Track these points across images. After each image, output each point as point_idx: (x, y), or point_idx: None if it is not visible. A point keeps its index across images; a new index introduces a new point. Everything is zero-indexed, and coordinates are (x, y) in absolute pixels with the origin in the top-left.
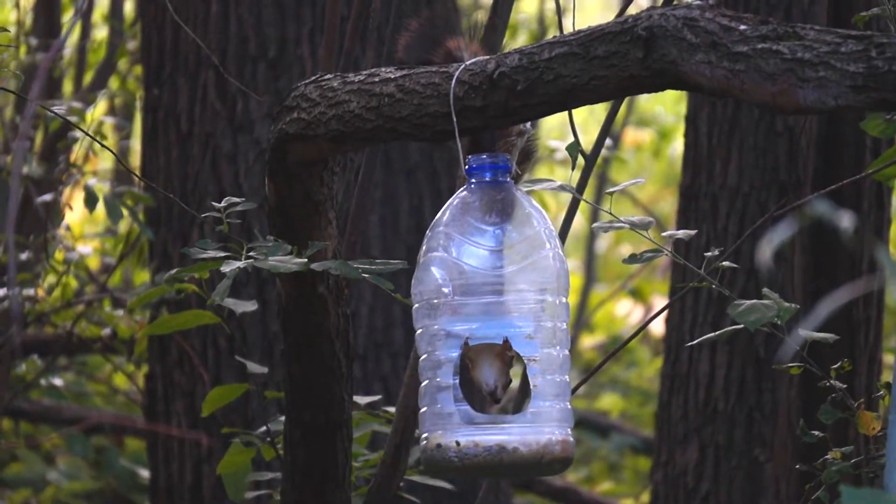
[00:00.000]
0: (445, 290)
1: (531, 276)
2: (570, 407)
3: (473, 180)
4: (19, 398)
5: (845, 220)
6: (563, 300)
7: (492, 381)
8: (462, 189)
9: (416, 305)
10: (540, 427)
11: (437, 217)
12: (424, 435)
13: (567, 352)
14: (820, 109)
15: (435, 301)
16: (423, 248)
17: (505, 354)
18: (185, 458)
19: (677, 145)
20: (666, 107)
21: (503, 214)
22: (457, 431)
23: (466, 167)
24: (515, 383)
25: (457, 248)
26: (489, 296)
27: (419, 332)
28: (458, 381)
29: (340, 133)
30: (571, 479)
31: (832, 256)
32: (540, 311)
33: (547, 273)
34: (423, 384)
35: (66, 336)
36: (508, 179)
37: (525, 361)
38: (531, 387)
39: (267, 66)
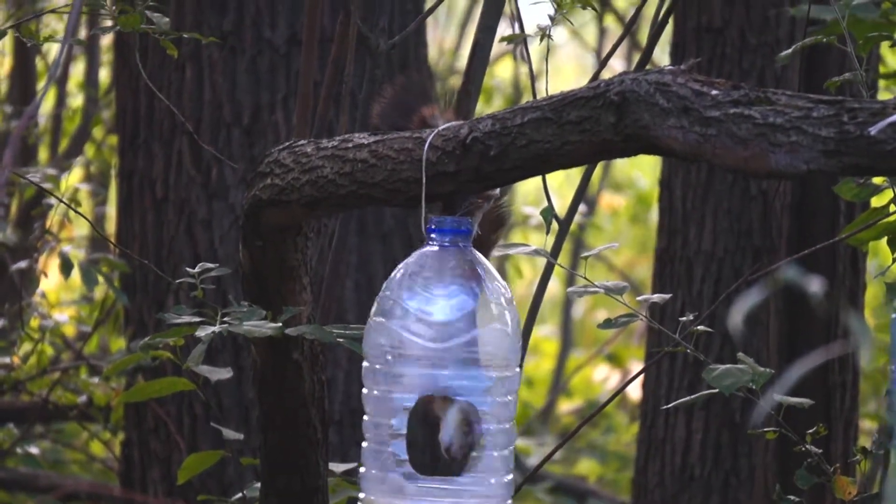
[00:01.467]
0: (388, 357)
1: (482, 349)
2: (511, 480)
3: (433, 240)
4: None
5: (815, 286)
6: (510, 373)
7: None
8: (421, 249)
9: (364, 365)
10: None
11: (390, 276)
12: (363, 496)
13: (510, 425)
14: (792, 174)
15: (377, 367)
16: (374, 307)
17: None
18: None
19: (655, 211)
20: (644, 172)
21: (456, 281)
22: (396, 497)
23: (427, 227)
24: (459, 456)
25: (401, 316)
26: (432, 368)
27: (364, 392)
28: (400, 446)
29: (314, 198)
30: None
31: (807, 321)
32: (488, 386)
33: (495, 346)
34: (365, 445)
35: (42, 403)
36: (468, 245)
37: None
38: (475, 460)
39: (241, 132)
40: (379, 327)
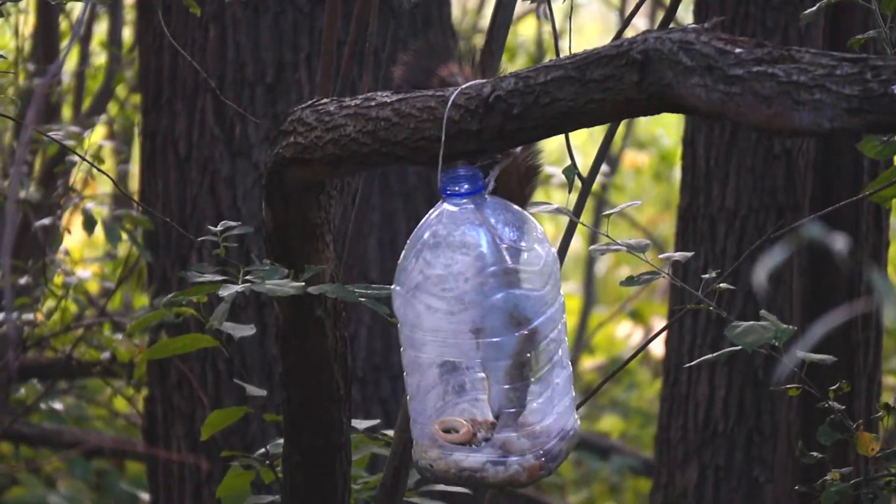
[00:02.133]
0: (427, 322)
1: (533, 269)
2: (547, 425)
3: (448, 200)
4: (19, 422)
5: (839, 243)
6: (561, 298)
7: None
8: (436, 209)
9: (399, 323)
10: (506, 458)
11: (417, 235)
12: (415, 440)
13: (567, 348)
14: (816, 132)
15: (420, 335)
16: (408, 270)
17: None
18: (184, 482)
19: (678, 168)
20: (666, 129)
21: (472, 244)
22: (430, 450)
23: (441, 186)
24: (490, 411)
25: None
26: (468, 330)
27: (402, 349)
28: (437, 402)
29: (337, 157)
30: (572, 501)
31: (830, 278)
32: (525, 344)
33: (533, 303)
34: (408, 396)
35: (66, 360)
36: (483, 199)
37: (504, 390)
38: (505, 415)
39: (264, 90)
40: (416, 296)
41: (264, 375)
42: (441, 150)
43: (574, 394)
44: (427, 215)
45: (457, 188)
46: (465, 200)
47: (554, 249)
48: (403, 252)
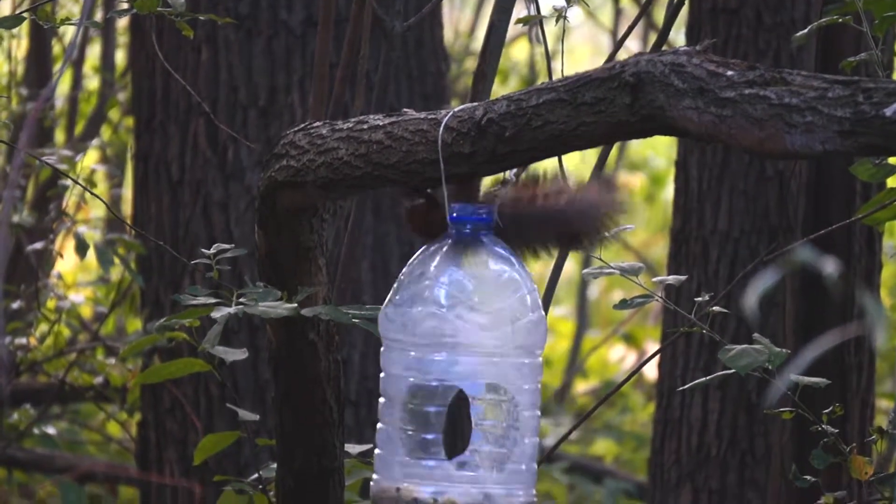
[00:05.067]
0: (429, 343)
1: (515, 338)
2: (535, 468)
3: (454, 230)
4: (12, 447)
5: (830, 266)
6: (539, 360)
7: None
8: (444, 237)
9: (388, 349)
10: (511, 487)
11: (417, 260)
12: (390, 484)
13: (538, 412)
14: (808, 154)
15: (412, 353)
16: (403, 292)
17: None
18: None
19: (670, 190)
20: (658, 151)
21: (485, 269)
22: (429, 483)
23: (450, 216)
24: (490, 444)
25: (446, 303)
26: (466, 354)
27: (385, 376)
28: (433, 436)
29: (329, 180)
30: None
31: (823, 301)
32: (522, 373)
33: (529, 334)
34: (382, 427)
35: (59, 384)
36: (490, 233)
37: (503, 422)
38: (505, 448)
39: (257, 113)
40: (419, 313)
41: (257, 400)
42: (442, 174)
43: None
44: (430, 245)
45: (466, 218)
46: (469, 229)
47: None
48: (415, 273)
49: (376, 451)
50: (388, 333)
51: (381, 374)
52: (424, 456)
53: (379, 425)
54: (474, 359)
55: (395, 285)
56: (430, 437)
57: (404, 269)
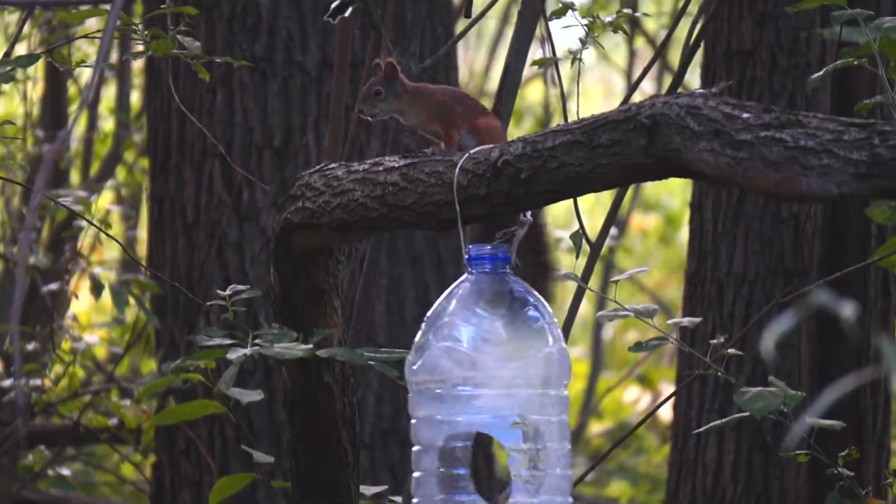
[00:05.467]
0: (454, 380)
1: (537, 370)
2: (570, 501)
3: (473, 270)
4: (27, 488)
5: (847, 310)
6: (564, 393)
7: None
8: (462, 279)
9: (416, 392)
10: None
11: (438, 304)
12: None
13: (568, 445)
14: (824, 197)
15: (438, 391)
16: (427, 335)
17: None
18: None
19: (685, 232)
20: (673, 193)
21: (504, 306)
22: None
23: (467, 256)
24: (522, 477)
25: (467, 340)
26: (492, 388)
27: (416, 422)
28: (463, 471)
29: (345, 222)
30: None
31: (839, 344)
32: (545, 405)
33: (551, 367)
34: (420, 474)
35: (74, 426)
36: (508, 270)
37: (530, 455)
38: (536, 481)
39: (272, 154)
40: (443, 351)
41: (272, 441)
42: (458, 216)
43: None
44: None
45: (486, 260)
46: (488, 268)
47: None
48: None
49: (413, 501)
50: (414, 377)
51: (412, 421)
52: (457, 491)
53: (414, 474)
54: (498, 392)
55: (419, 331)
56: (460, 471)
57: (427, 314)
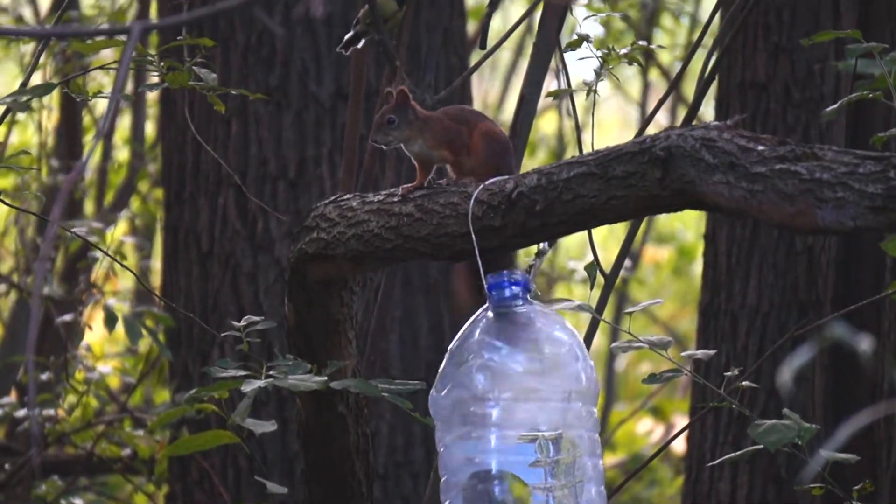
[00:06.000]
0: (488, 396)
1: (565, 385)
2: None
3: (494, 299)
4: None
5: (864, 343)
6: (593, 410)
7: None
8: (484, 308)
9: (443, 420)
10: None
11: (463, 331)
12: None
13: (601, 463)
14: (839, 230)
15: (468, 410)
16: (451, 362)
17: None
18: None
19: (699, 264)
20: (686, 224)
21: (530, 329)
22: None
23: (487, 285)
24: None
25: (494, 360)
26: (522, 403)
27: (444, 450)
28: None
29: (360, 252)
30: None
31: (853, 376)
32: (577, 419)
33: (579, 382)
34: (453, 497)
35: (87, 456)
36: (529, 297)
37: (566, 464)
38: (572, 493)
39: (287, 185)
40: (475, 368)
41: (285, 472)
42: (475, 247)
43: None
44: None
45: (506, 287)
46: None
47: None
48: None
49: None
50: (443, 402)
51: (440, 450)
52: None
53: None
54: (533, 405)
55: (443, 362)
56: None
57: (450, 345)
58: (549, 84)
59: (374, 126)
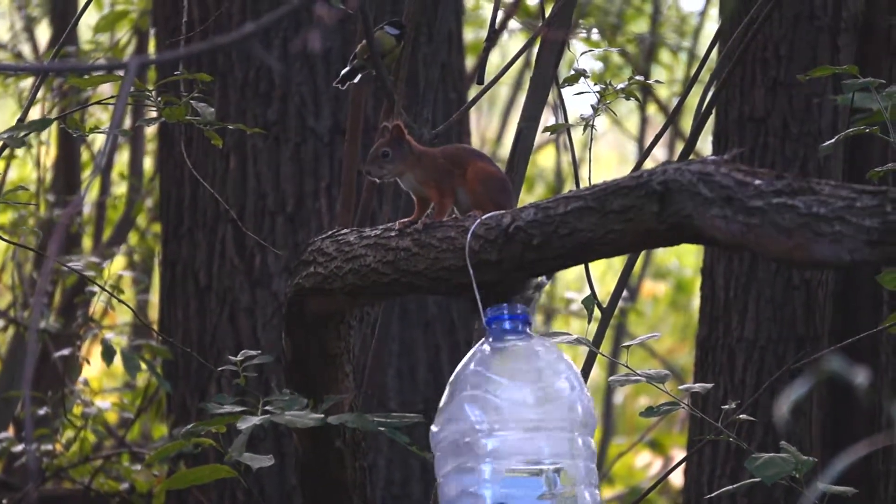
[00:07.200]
0: (486, 428)
1: (562, 414)
2: None
3: (493, 332)
4: None
5: (860, 377)
6: (590, 440)
7: None
8: (482, 341)
9: (441, 452)
10: None
11: (462, 365)
12: None
13: (598, 493)
14: (836, 264)
15: (467, 440)
16: (450, 396)
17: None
18: None
19: (696, 298)
20: (683, 259)
21: (529, 361)
22: None
23: (486, 319)
24: None
25: (492, 391)
26: (518, 433)
27: (443, 480)
28: None
29: (357, 287)
30: None
31: (850, 409)
32: (571, 447)
33: (575, 413)
34: None
35: (85, 491)
36: (528, 330)
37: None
38: None
39: (285, 220)
40: (468, 400)
41: None
42: (472, 281)
43: None
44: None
45: (506, 321)
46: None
47: None
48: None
49: None
50: (440, 434)
51: (438, 481)
52: None
53: None
54: (530, 437)
55: (442, 397)
56: None
57: (450, 379)
58: (547, 119)
59: (369, 158)
